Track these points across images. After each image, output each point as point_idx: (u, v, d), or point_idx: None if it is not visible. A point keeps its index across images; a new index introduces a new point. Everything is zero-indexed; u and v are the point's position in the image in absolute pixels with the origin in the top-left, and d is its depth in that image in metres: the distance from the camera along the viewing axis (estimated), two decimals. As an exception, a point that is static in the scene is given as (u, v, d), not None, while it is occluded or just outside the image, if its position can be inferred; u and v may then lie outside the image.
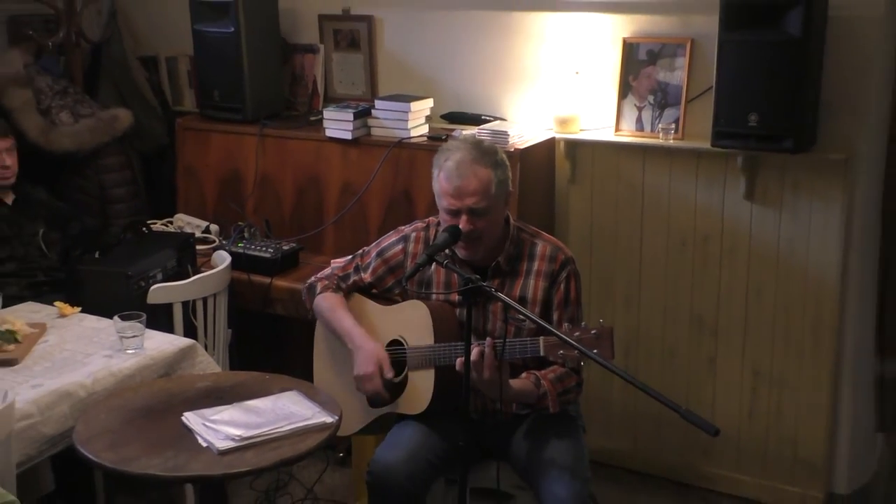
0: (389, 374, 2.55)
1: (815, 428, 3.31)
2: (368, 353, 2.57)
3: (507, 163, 2.59)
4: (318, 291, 2.76)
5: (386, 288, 2.76)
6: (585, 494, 2.39)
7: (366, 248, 2.81)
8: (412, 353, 2.59)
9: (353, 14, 3.85)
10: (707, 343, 3.44)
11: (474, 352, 2.31)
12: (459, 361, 2.36)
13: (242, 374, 2.73)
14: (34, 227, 3.56)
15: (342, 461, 3.61)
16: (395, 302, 2.72)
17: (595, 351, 2.21)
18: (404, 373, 2.61)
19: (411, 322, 2.60)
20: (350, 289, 2.77)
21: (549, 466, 2.43)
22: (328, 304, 2.73)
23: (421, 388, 2.56)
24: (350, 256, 2.84)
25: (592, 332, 2.29)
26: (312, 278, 2.83)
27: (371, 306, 2.73)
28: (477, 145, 2.57)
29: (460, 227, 2.48)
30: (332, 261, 2.92)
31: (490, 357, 2.34)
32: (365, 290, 2.78)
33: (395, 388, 2.62)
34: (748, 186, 3.24)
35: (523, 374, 2.51)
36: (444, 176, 2.52)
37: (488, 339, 2.38)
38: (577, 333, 2.28)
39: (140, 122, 4.07)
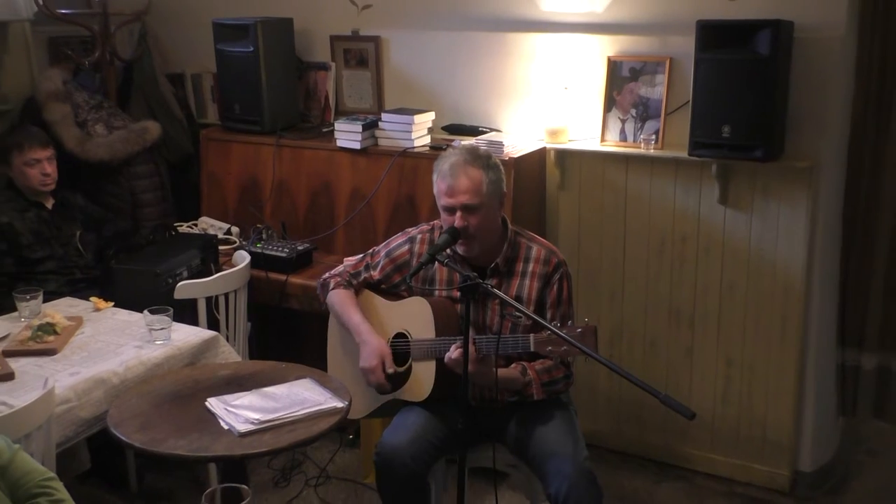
0: (391, 368, 2.56)
1: (783, 411, 3.31)
2: (373, 349, 2.58)
3: (500, 167, 2.59)
4: (330, 288, 2.77)
5: (393, 284, 2.75)
6: (587, 470, 2.39)
7: (375, 248, 2.81)
8: (415, 345, 2.58)
9: (362, 35, 3.85)
10: (684, 334, 3.43)
11: (457, 351, 2.35)
12: (447, 356, 2.40)
13: (260, 363, 2.73)
14: (72, 229, 3.56)
15: (352, 442, 3.61)
16: (402, 297, 2.72)
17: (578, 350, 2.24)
18: (408, 363, 2.61)
19: (415, 317, 2.59)
20: (360, 285, 2.77)
21: (553, 448, 2.43)
22: (339, 300, 2.73)
23: (423, 377, 2.57)
24: (361, 255, 2.84)
25: (578, 329, 2.29)
26: (326, 275, 2.83)
27: (379, 301, 2.73)
28: (470, 151, 2.58)
29: (455, 223, 2.48)
30: (344, 259, 2.92)
31: (472, 354, 2.35)
32: (374, 286, 2.77)
33: (400, 377, 2.62)
34: (722, 192, 3.23)
35: (512, 364, 2.52)
36: (440, 177, 2.54)
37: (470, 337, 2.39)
38: (563, 331, 2.28)
39: (168, 133, 4.08)
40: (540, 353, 2.38)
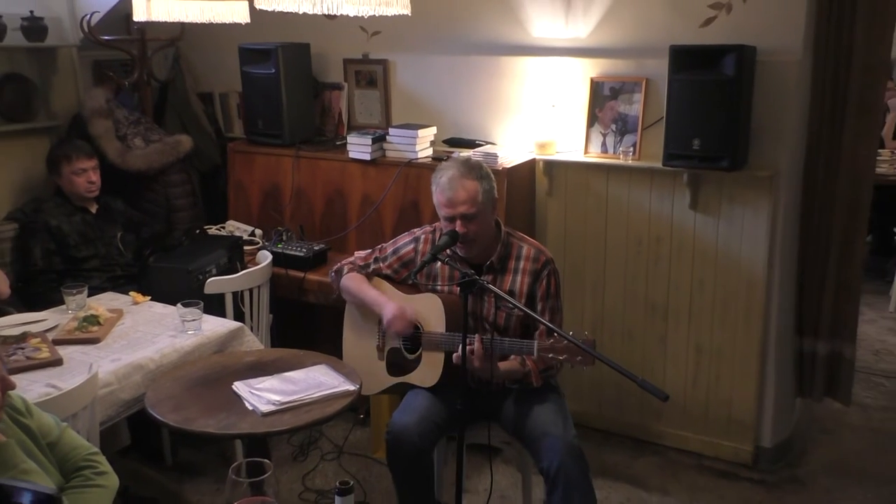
0: (412, 314, 2.55)
1: (746, 393, 3.31)
2: (393, 306, 2.57)
3: (492, 175, 2.58)
4: (344, 272, 2.76)
5: (401, 279, 2.75)
6: (575, 446, 2.39)
7: (383, 245, 2.80)
8: (426, 337, 2.58)
9: (372, 58, 3.85)
10: (659, 324, 3.43)
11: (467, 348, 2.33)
12: (455, 356, 2.38)
13: (281, 350, 2.73)
14: (114, 231, 3.57)
15: (363, 421, 3.61)
16: (416, 292, 2.69)
17: (579, 358, 2.26)
18: (419, 351, 2.60)
19: (428, 311, 2.58)
20: (370, 275, 2.76)
21: (545, 428, 2.42)
22: (355, 281, 2.72)
23: (432, 366, 2.56)
24: (370, 250, 2.82)
25: (580, 341, 2.26)
26: (338, 264, 2.82)
27: (395, 293, 2.69)
28: (465, 163, 2.56)
29: (456, 230, 2.48)
30: (355, 252, 2.91)
31: (479, 351, 2.36)
32: (384, 278, 2.76)
33: (411, 363, 2.62)
34: (692, 198, 3.23)
35: (512, 357, 2.51)
36: (439, 190, 2.53)
37: (477, 335, 2.39)
38: (564, 341, 2.27)
39: (198, 146, 4.07)
40: (543, 358, 2.36)
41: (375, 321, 2.69)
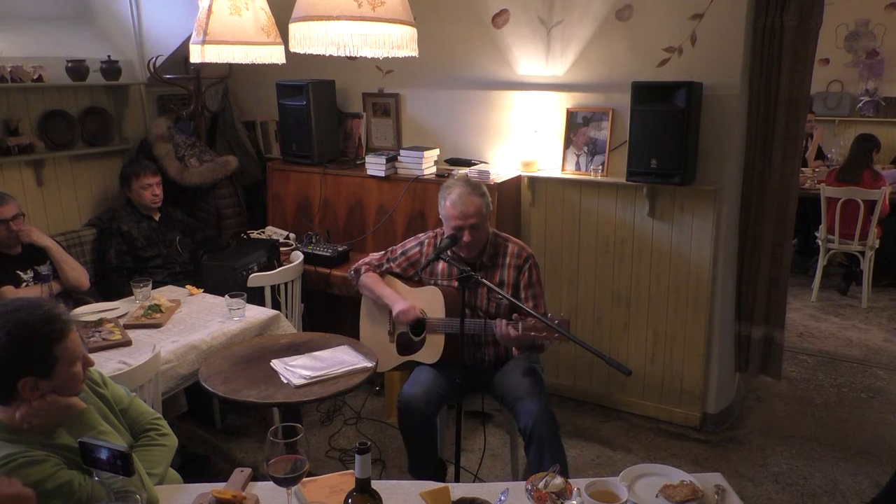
0: (418, 311, 2.55)
1: (695, 369, 3.31)
2: (403, 303, 2.57)
3: (488, 192, 2.59)
4: (362, 272, 2.75)
5: (408, 276, 2.74)
6: (548, 409, 2.39)
7: (394, 247, 2.79)
8: (430, 322, 2.58)
9: (386, 92, 3.85)
10: (623, 312, 3.43)
11: (507, 327, 2.33)
12: (497, 331, 2.37)
13: (311, 334, 2.72)
14: (173, 235, 3.57)
15: (378, 392, 3.61)
16: (420, 285, 2.69)
17: (557, 335, 2.26)
18: (423, 334, 2.60)
19: (430, 301, 2.58)
20: (383, 273, 2.76)
21: (524, 393, 2.42)
22: (371, 280, 2.71)
23: (434, 345, 2.56)
24: (383, 252, 2.82)
25: (556, 321, 2.26)
26: (357, 264, 2.81)
27: (402, 287, 2.70)
28: (468, 182, 2.57)
29: (465, 238, 2.48)
30: (370, 254, 2.90)
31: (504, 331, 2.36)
32: (394, 275, 2.76)
33: (417, 344, 2.61)
34: (650, 207, 3.23)
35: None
36: (450, 205, 2.51)
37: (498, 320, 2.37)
38: (543, 319, 2.26)
39: (243, 164, 4.08)
40: (527, 336, 2.35)
41: (386, 311, 2.69)
